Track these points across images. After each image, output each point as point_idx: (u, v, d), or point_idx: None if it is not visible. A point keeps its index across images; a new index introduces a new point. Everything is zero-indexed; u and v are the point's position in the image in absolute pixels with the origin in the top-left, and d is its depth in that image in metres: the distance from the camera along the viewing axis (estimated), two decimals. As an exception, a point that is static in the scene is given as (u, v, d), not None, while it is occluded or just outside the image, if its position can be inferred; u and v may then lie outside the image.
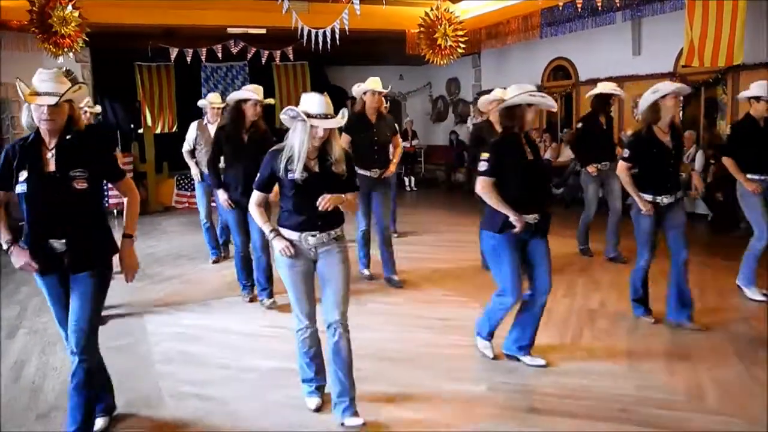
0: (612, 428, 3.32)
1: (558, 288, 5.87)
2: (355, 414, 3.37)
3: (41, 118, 3.04)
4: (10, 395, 3.93)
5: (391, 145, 6.25)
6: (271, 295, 5.55)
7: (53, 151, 3.09)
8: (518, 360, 4.19)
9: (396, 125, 6.38)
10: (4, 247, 3.15)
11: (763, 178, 5.40)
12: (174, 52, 11.29)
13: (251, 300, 5.72)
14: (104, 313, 5.09)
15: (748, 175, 5.41)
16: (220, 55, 11.55)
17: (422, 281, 6.32)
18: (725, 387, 3.77)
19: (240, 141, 5.46)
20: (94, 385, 3.23)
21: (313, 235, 3.38)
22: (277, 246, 3.37)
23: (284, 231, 3.41)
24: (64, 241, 3.08)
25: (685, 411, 3.49)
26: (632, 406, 3.55)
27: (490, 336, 4.31)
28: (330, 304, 3.40)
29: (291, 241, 3.37)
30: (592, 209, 7.05)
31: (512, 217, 3.90)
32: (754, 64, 8.46)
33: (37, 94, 3.01)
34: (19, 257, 3.10)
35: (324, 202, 3.28)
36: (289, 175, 3.30)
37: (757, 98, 5.41)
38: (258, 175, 3.46)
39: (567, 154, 11.13)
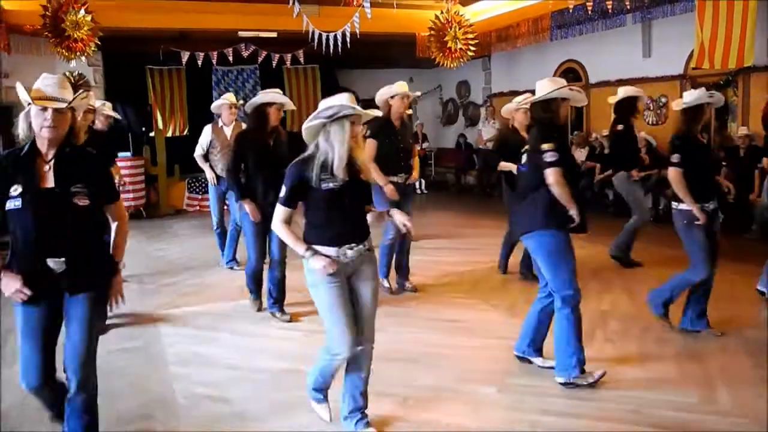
0: (624, 429, 3.32)
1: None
2: (368, 425, 3.35)
3: (43, 125, 2.79)
4: (21, 397, 3.94)
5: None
6: (282, 309, 5.38)
7: (51, 164, 2.84)
8: (530, 362, 4.19)
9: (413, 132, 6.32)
10: None
11: None
12: (185, 56, 11.37)
13: (258, 310, 5.57)
14: (116, 317, 5.18)
15: None
16: (231, 58, 11.61)
17: (434, 284, 6.34)
18: (737, 389, 3.77)
19: (266, 146, 5.22)
20: (95, 412, 2.99)
21: (351, 248, 3.16)
22: (318, 265, 3.08)
23: (319, 248, 3.15)
24: (63, 260, 2.81)
25: (697, 413, 3.50)
26: (644, 407, 3.55)
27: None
28: (363, 320, 3.25)
29: (329, 257, 3.13)
30: (646, 213, 6.97)
31: (573, 212, 3.82)
32: (765, 66, 8.44)
33: (42, 98, 2.81)
34: (10, 284, 2.78)
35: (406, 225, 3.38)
36: (323, 185, 3.09)
37: None
38: (283, 188, 3.20)
39: (577, 156, 11.12)
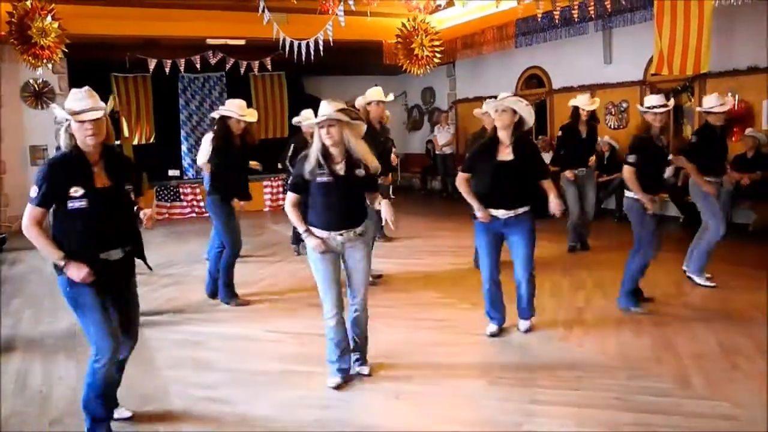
0: (610, 416, 3.52)
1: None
2: (364, 364, 4.12)
3: (86, 134, 3.13)
4: (19, 404, 3.98)
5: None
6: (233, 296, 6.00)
7: (100, 166, 3.23)
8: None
9: (390, 139, 6.58)
10: (60, 263, 3.17)
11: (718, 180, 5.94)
12: (152, 63, 11.32)
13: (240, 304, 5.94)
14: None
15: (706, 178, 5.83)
16: (198, 65, 11.61)
17: (412, 285, 6.49)
18: (710, 375, 4.01)
19: (233, 151, 5.77)
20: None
21: (341, 234, 3.79)
22: (310, 243, 3.80)
23: (314, 230, 3.81)
24: (119, 249, 3.29)
25: (675, 397, 3.72)
26: (626, 394, 3.77)
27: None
28: (354, 290, 3.95)
29: (321, 238, 3.78)
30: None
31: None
32: (720, 72, 8.85)
33: (77, 113, 3.11)
34: (80, 270, 3.14)
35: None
36: (318, 179, 3.72)
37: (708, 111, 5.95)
38: (291, 178, 3.96)
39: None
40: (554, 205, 4.54)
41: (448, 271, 7.01)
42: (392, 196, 13.78)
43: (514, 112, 4.46)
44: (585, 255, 7.53)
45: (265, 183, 12.66)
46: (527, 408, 3.66)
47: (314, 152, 3.74)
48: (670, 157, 5.67)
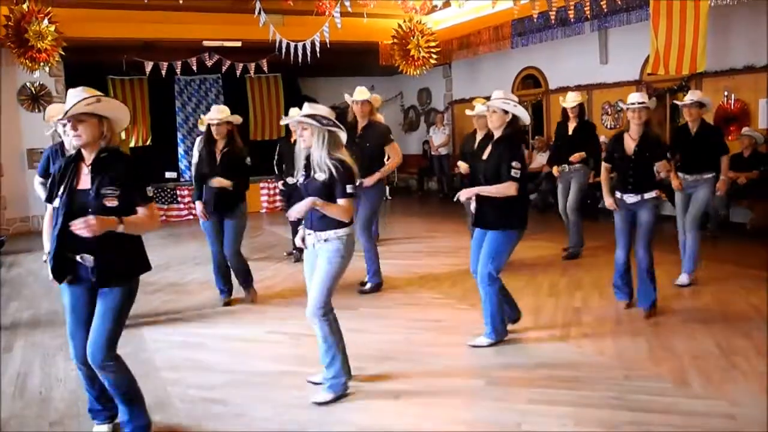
0: (608, 415, 3.53)
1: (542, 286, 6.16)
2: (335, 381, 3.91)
3: (68, 134, 3.16)
4: (19, 406, 3.98)
5: (389, 154, 6.29)
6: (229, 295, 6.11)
7: (89, 168, 3.16)
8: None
9: (388, 134, 6.35)
10: (43, 259, 3.23)
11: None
12: (149, 66, 11.31)
13: (226, 304, 6.02)
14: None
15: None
16: (194, 68, 11.61)
17: (408, 286, 6.51)
18: (707, 374, 4.03)
19: (213, 160, 5.83)
20: (120, 386, 3.32)
21: (309, 234, 3.89)
22: (297, 236, 4.06)
23: (305, 228, 3.97)
24: (92, 257, 3.12)
25: (672, 396, 3.73)
26: (624, 393, 3.78)
27: None
28: (309, 296, 3.91)
29: (304, 236, 3.95)
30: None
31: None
32: (716, 72, 8.88)
33: (59, 113, 3.16)
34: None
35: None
36: (300, 179, 3.93)
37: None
38: None
39: (539, 160, 11.46)
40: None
41: (445, 273, 7.01)
42: (388, 197, 13.91)
43: (505, 112, 4.46)
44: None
45: (261, 185, 12.66)
46: (525, 408, 3.67)
47: (297, 154, 3.93)
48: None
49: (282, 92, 14.09)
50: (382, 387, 4.02)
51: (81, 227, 2.94)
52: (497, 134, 4.54)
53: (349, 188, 3.76)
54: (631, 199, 5.20)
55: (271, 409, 3.81)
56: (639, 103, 5.15)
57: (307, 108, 3.81)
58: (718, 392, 3.77)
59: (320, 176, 3.73)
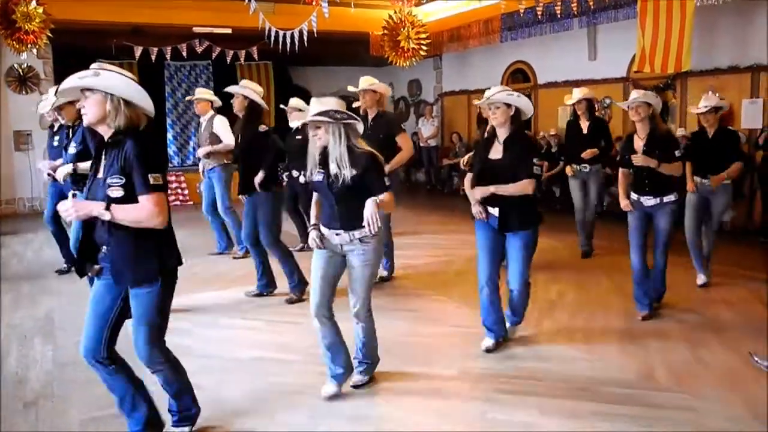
0: (574, 405, 3.61)
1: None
2: (363, 373, 3.91)
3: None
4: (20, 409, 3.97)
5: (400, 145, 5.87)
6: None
7: (104, 153, 2.93)
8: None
9: (397, 123, 6.10)
10: None
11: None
12: (138, 51, 11.28)
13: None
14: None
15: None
16: (184, 53, 11.59)
17: (394, 277, 6.53)
18: (673, 367, 4.12)
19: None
20: (172, 384, 3.24)
21: (338, 234, 3.63)
22: (310, 237, 3.72)
23: (322, 226, 3.73)
24: (104, 250, 2.94)
25: (639, 389, 3.82)
26: (591, 385, 3.87)
27: None
28: (352, 295, 3.76)
29: (321, 234, 3.70)
30: None
31: None
32: (701, 71, 8.96)
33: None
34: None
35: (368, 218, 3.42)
36: (314, 177, 3.66)
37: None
38: None
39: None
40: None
41: (427, 264, 7.09)
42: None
43: (508, 106, 4.22)
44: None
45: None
46: (492, 397, 3.75)
47: (311, 151, 3.67)
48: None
49: (273, 80, 14.09)
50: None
51: (63, 210, 2.81)
52: (504, 131, 4.29)
53: (387, 180, 3.57)
54: (649, 201, 5.00)
55: (247, 394, 3.87)
56: (637, 100, 4.95)
57: (316, 104, 3.55)
58: (685, 385, 3.85)
59: (349, 172, 3.49)
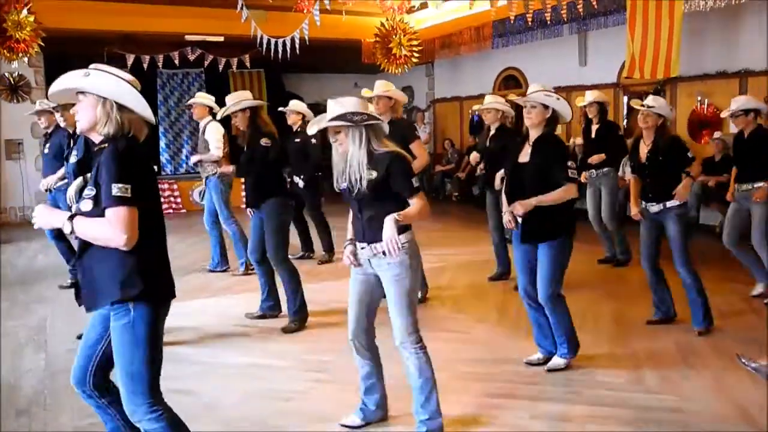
0: (564, 408, 3.66)
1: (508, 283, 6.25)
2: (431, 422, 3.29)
3: None
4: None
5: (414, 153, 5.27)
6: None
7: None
8: None
9: (412, 131, 5.79)
10: None
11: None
12: (131, 59, 11.29)
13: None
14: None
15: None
16: (177, 61, 11.62)
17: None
18: (663, 372, 4.15)
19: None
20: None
21: (363, 248, 3.25)
22: (344, 255, 3.32)
23: (357, 242, 3.32)
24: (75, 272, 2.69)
25: (628, 391, 3.86)
26: (581, 388, 3.91)
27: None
28: (392, 324, 3.28)
29: (355, 251, 3.29)
30: None
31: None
32: (690, 76, 9.05)
33: None
34: None
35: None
36: (341, 185, 3.29)
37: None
38: None
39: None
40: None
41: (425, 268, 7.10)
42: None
43: (545, 107, 4.03)
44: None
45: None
46: (482, 401, 3.78)
47: (334, 159, 3.29)
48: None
49: (265, 88, 14.11)
50: (349, 376, 4.09)
51: (34, 217, 2.56)
52: (536, 132, 4.07)
53: (415, 181, 3.15)
54: (653, 208, 4.84)
55: (238, 399, 3.89)
56: (648, 107, 4.81)
57: (334, 106, 3.17)
58: (673, 388, 3.89)
59: (367, 176, 3.13)
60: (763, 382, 3.77)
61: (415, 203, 3.12)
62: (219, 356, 4.62)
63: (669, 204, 4.78)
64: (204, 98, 7.35)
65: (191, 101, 7.41)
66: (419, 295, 5.18)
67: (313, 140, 7.13)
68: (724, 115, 5.92)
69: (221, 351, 4.74)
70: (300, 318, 5.18)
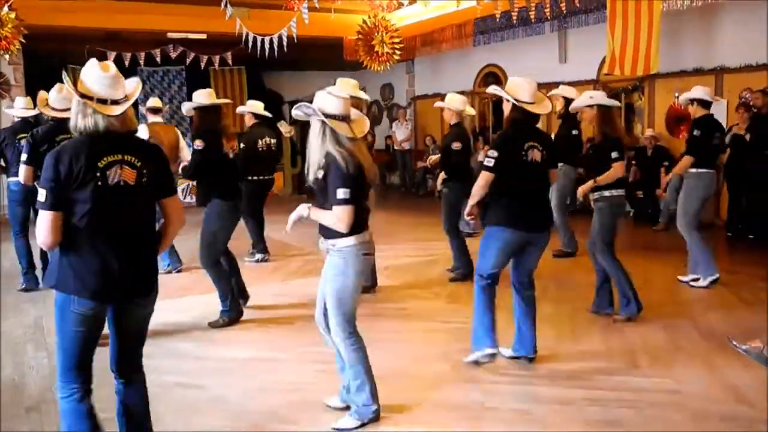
0: (563, 392, 3.80)
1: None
2: (348, 422, 3.45)
3: None
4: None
5: None
6: None
7: None
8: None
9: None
10: None
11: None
12: (112, 56, 11.19)
13: None
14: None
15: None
16: (158, 59, 11.56)
17: (378, 276, 6.61)
18: (655, 356, 4.32)
19: None
20: None
21: (321, 239, 3.36)
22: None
23: None
24: None
25: (623, 375, 4.03)
26: (578, 373, 4.05)
27: None
28: None
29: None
30: None
31: None
32: (668, 73, 9.28)
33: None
34: None
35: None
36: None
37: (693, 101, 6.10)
38: None
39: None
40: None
41: (409, 264, 7.24)
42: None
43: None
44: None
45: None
46: (489, 388, 3.90)
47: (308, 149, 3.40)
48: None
49: (246, 85, 14.11)
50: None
51: None
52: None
53: (341, 192, 3.09)
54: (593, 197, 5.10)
55: (245, 393, 3.95)
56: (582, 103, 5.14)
57: (318, 97, 3.25)
58: (666, 371, 4.07)
59: (313, 175, 3.23)
60: (752, 363, 3.95)
61: (333, 212, 3.15)
62: (221, 351, 4.67)
63: (593, 195, 5.07)
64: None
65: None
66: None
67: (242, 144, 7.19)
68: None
69: (222, 345, 4.79)
70: (230, 317, 5.20)
